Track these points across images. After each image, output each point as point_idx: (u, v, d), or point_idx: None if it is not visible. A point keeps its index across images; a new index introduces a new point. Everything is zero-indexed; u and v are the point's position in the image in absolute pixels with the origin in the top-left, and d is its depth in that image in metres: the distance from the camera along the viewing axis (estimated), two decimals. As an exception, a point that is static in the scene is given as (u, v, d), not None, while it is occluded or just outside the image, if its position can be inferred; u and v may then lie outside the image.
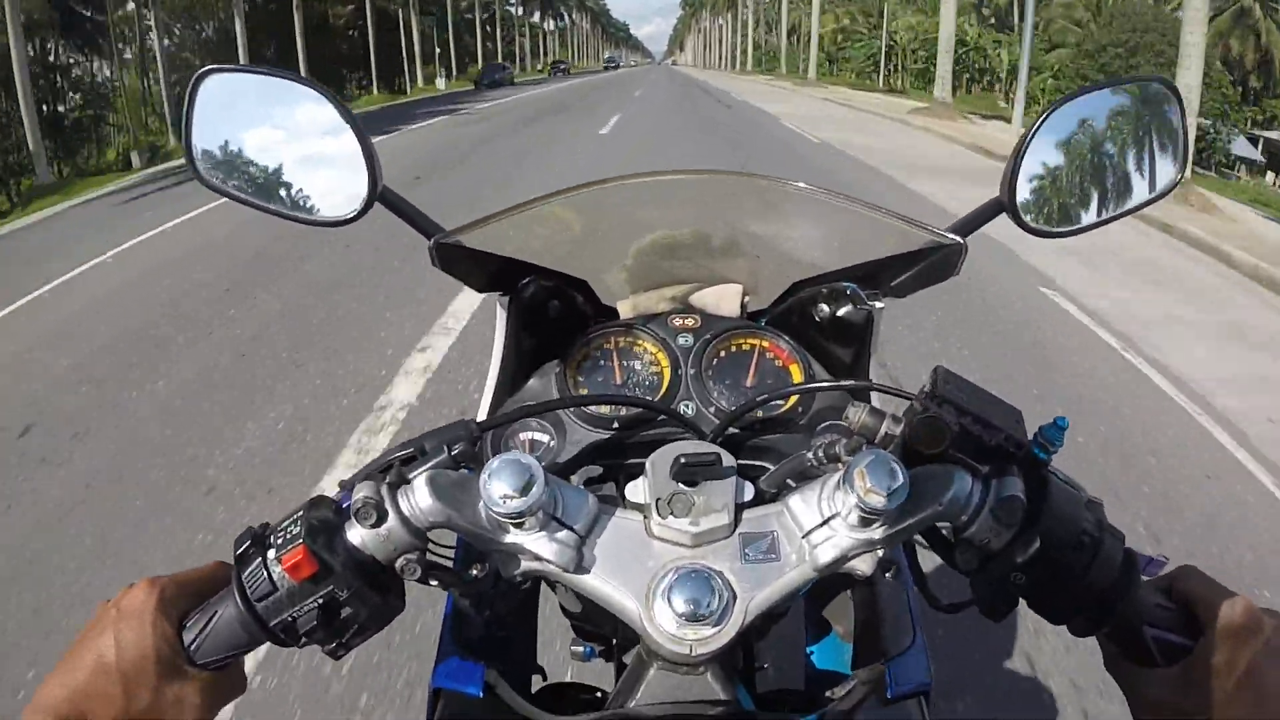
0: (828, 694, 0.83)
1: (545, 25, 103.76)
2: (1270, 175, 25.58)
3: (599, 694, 0.90)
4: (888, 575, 0.82)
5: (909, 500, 0.55)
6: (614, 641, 1.00)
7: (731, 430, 0.82)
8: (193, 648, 0.56)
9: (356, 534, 0.57)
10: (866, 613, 0.86)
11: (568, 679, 0.96)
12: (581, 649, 1.06)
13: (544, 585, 0.95)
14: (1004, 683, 2.14)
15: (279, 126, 0.83)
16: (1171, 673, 0.57)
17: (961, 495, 0.58)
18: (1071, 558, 0.58)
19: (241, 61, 20.86)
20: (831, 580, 0.87)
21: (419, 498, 0.57)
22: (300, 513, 0.57)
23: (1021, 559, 0.58)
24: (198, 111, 0.82)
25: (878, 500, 0.54)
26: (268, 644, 0.58)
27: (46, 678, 0.55)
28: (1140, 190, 0.86)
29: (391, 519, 0.57)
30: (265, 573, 0.56)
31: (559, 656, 1.16)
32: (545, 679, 0.93)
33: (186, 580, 0.59)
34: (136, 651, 0.54)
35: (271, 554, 0.56)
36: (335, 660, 0.60)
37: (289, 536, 0.56)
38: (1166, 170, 0.86)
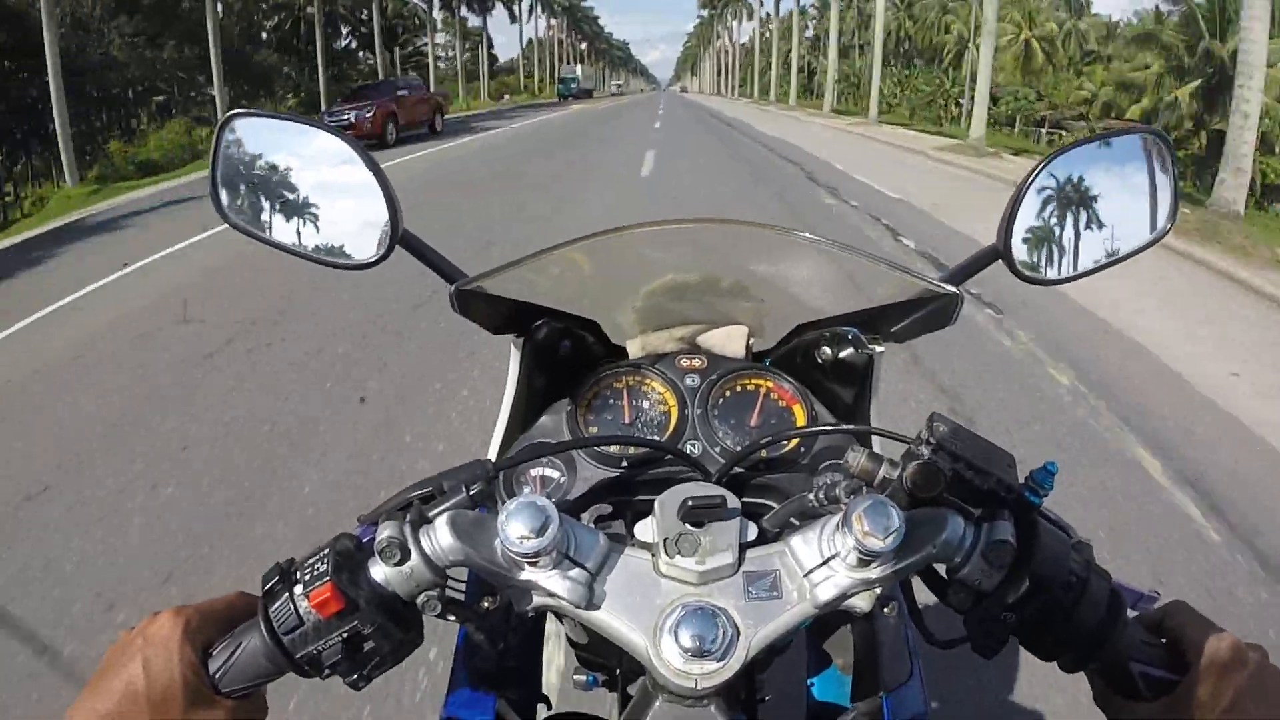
0: None
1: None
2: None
3: None
4: (886, 611, 0.84)
5: (904, 542, 0.56)
6: (617, 672, 1.02)
7: (736, 469, 0.84)
8: (218, 676, 0.58)
9: (380, 571, 0.60)
10: (865, 647, 0.88)
11: (570, 708, 0.97)
12: (584, 678, 1.08)
13: (551, 618, 0.97)
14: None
15: (302, 171, 0.86)
16: (1157, 707, 0.58)
17: (954, 538, 0.60)
18: (1059, 598, 0.59)
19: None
20: (832, 614, 0.89)
21: (440, 537, 0.59)
22: (326, 550, 0.59)
23: (1011, 599, 0.60)
24: (223, 153, 0.85)
25: (875, 543, 0.55)
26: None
27: (75, 702, 0.56)
28: (1132, 238, 0.88)
29: (414, 557, 0.59)
30: (292, 607, 0.58)
31: (562, 686, 1.17)
32: (550, 708, 0.95)
33: (210, 610, 0.61)
34: (165, 679, 0.56)
35: (299, 589, 0.58)
36: (356, 691, 0.62)
37: (316, 573, 0.58)
38: (1158, 217, 0.88)
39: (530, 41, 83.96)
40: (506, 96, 55.64)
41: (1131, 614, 0.62)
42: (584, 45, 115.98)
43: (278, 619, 0.58)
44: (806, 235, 0.88)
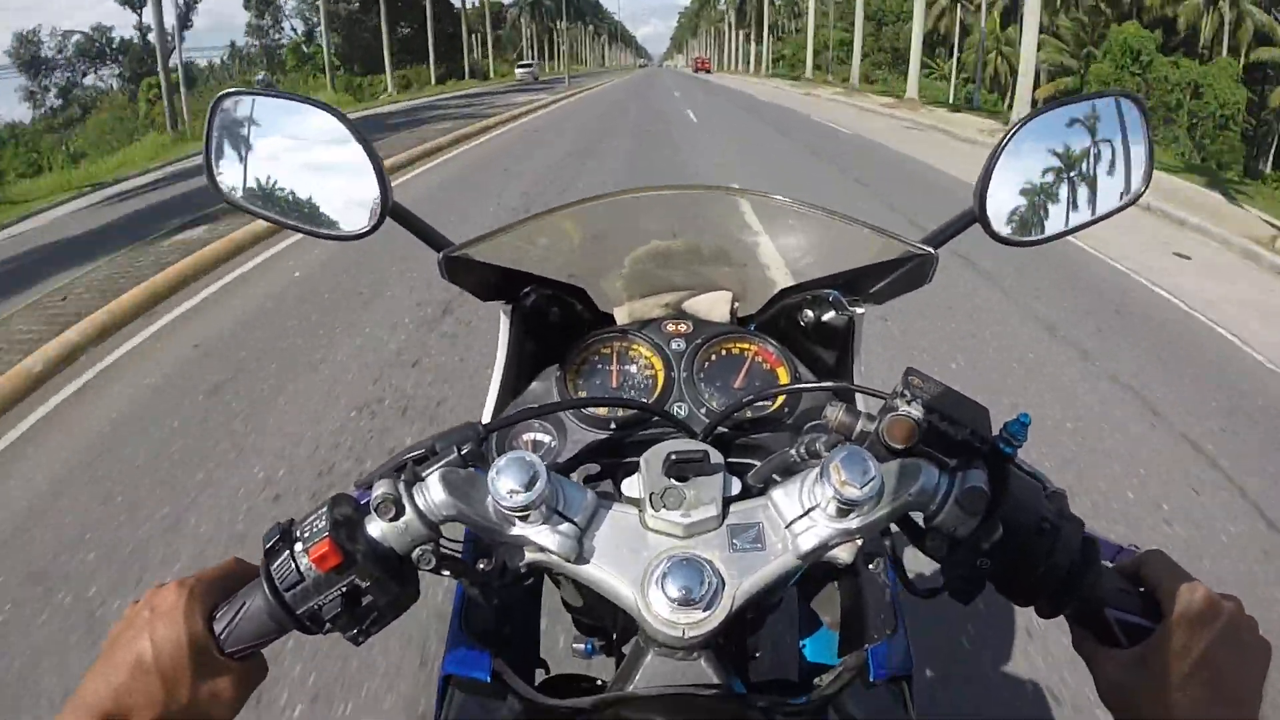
0: (816, 681, 0.87)
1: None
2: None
3: (600, 682, 0.95)
4: (871, 566, 0.87)
5: (882, 492, 0.59)
6: (614, 635, 1.04)
7: (722, 429, 0.86)
8: (223, 638, 0.60)
9: (376, 527, 0.62)
10: (851, 602, 0.90)
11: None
12: (583, 645, 1.10)
13: (546, 585, 1.00)
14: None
15: (294, 146, 0.88)
16: (1133, 653, 0.60)
17: (929, 486, 0.62)
18: (1032, 543, 0.62)
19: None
20: (819, 573, 0.91)
21: (433, 493, 0.61)
22: (324, 509, 0.62)
23: (986, 545, 0.62)
24: (216, 132, 0.87)
25: (853, 492, 0.58)
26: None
27: (85, 677, 0.58)
28: (1107, 199, 0.89)
29: (408, 513, 0.61)
30: (293, 564, 0.60)
31: (560, 656, 1.19)
32: (548, 672, 0.97)
33: (211, 577, 0.63)
34: (173, 648, 0.58)
35: (299, 546, 0.60)
36: (356, 645, 0.65)
37: (315, 530, 0.60)
38: (1133, 178, 0.89)
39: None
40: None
41: (1109, 565, 0.64)
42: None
43: (279, 576, 0.60)
44: (786, 199, 0.90)
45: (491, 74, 54.91)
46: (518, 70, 49.34)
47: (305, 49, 39.73)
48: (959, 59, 32.97)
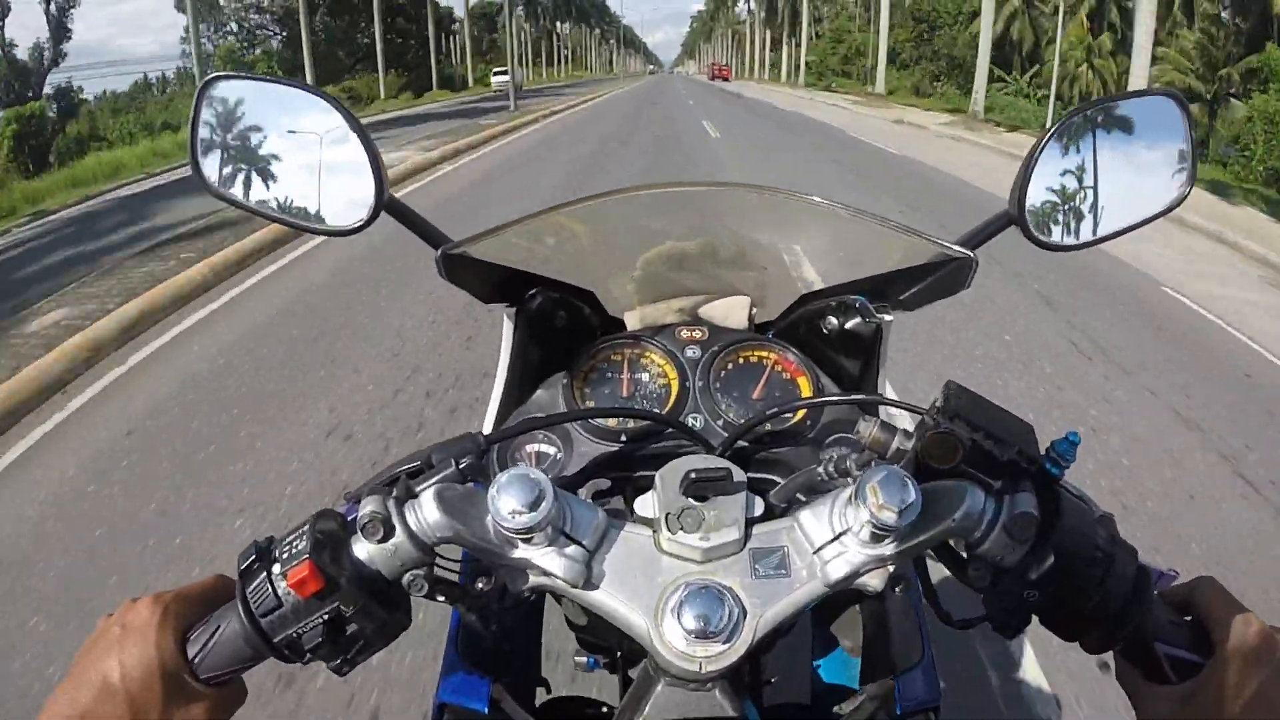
0: (835, 709, 0.82)
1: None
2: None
3: (604, 708, 0.90)
4: (897, 590, 0.82)
5: (921, 516, 0.54)
6: (619, 654, 1.00)
7: (740, 443, 0.82)
8: (196, 661, 0.56)
9: (363, 549, 0.57)
10: (875, 628, 0.86)
11: (571, 690, 0.95)
12: (585, 659, 1.06)
13: (549, 597, 0.95)
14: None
15: (286, 135, 0.84)
16: (1181, 690, 0.56)
17: (974, 511, 0.57)
18: (1085, 573, 0.57)
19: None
20: (839, 595, 0.87)
21: (426, 512, 0.56)
22: (306, 527, 0.57)
23: (1035, 575, 0.57)
24: (204, 118, 0.83)
25: (890, 516, 0.53)
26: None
27: (51, 697, 0.54)
28: (1149, 203, 0.86)
29: (399, 534, 0.56)
30: (270, 588, 0.55)
31: (562, 666, 1.15)
32: (549, 691, 0.93)
33: (189, 594, 0.59)
34: (142, 670, 0.54)
35: (277, 569, 0.56)
36: (340, 676, 0.60)
37: (294, 551, 0.55)
38: (1175, 182, 0.86)
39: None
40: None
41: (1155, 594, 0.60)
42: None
43: (255, 600, 0.56)
44: (814, 199, 0.86)
45: (471, 83, 45.98)
46: (494, 79, 42.94)
47: (242, 54, 34.53)
48: (1039, 70, 27.51)
